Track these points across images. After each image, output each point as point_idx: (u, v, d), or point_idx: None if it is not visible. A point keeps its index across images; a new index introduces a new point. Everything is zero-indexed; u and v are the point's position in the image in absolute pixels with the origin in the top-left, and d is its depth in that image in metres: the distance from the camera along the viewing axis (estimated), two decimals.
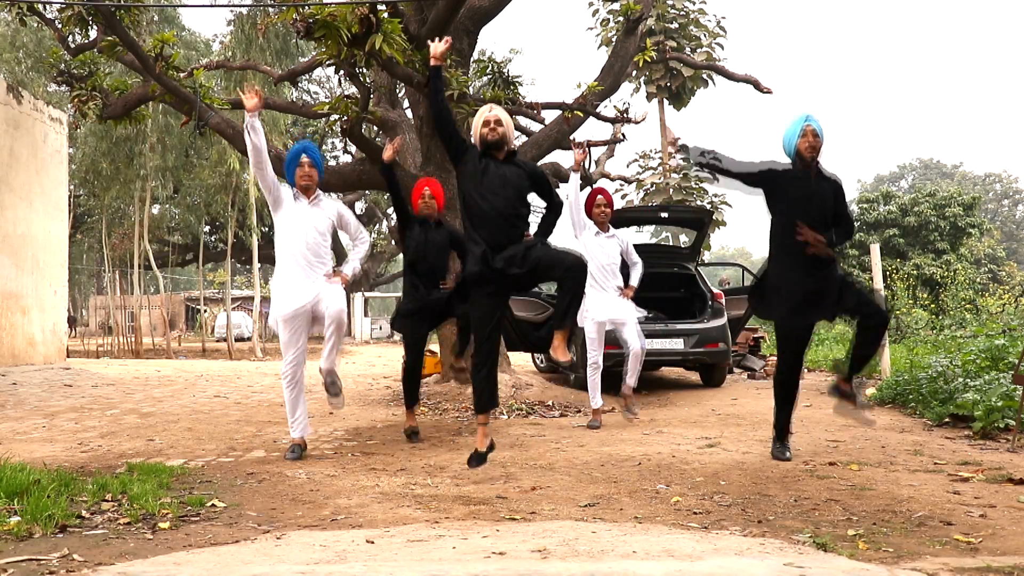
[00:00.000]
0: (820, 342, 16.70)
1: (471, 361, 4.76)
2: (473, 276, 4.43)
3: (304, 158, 5.14)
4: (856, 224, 22.56)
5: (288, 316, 4.95)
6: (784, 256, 4.79)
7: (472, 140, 4.62)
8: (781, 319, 4.83)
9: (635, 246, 10.00)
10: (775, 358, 11.09)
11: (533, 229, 4.72)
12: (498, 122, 4.51)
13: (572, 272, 4.37)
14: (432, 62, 4.64)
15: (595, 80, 8.98)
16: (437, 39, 4.82)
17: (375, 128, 12.38)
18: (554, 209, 4.81)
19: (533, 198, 4.76)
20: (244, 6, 17.21)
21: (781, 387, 4.87)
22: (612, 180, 14.81)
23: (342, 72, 7.50)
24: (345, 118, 7.65)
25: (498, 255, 4.34)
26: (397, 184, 5.86)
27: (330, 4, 6.69)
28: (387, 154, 5.68)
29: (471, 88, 7.74)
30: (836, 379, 4.94)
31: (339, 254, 37.17)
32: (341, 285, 5.04)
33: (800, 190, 4.75)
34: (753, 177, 4.88)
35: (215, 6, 9.52)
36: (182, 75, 8.67)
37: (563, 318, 4.44)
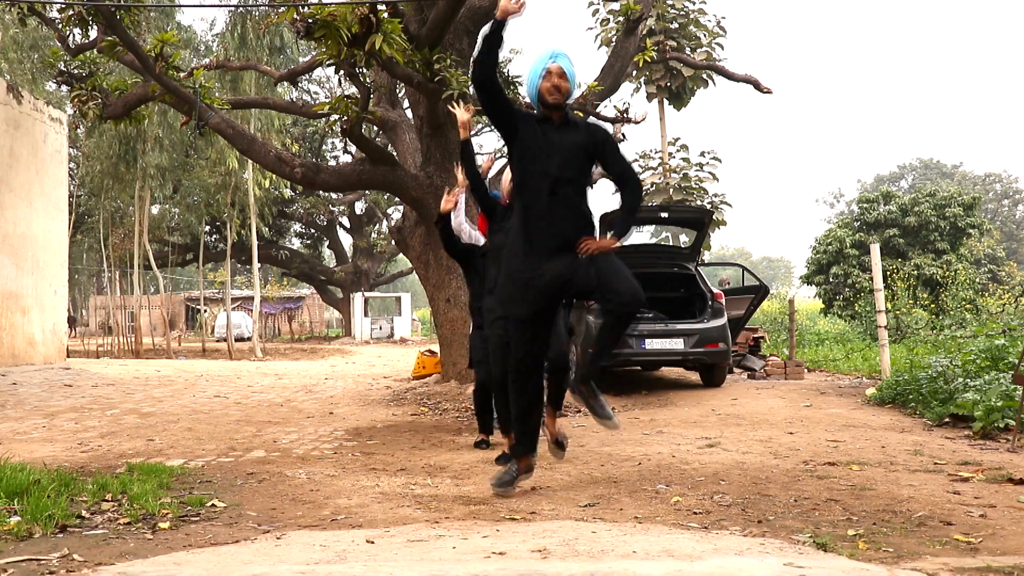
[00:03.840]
0: (820, 342, 16.71)
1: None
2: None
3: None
4: (858, 223, 22.67)
5: None
6: (520, 229, 3.78)
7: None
8: (507, 304, 3.87)
9: (635, 246, 10.03)
10: (774, 357, 11.12)
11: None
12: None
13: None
14: (461, 134, 4.65)
15: (595, 80, 8.98)
16: (462, 104, 4.83)
17: (375, 128, 12.38)
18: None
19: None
20: (244, 6, 17.21)
21: (515, 387, 3.90)
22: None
23: (342, 72, 7.50)
24: (345, 118, 7.65)
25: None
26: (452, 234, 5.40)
27: (330, 4, 6.69)
28: (445, 205, 5.21)
29: (471, 88, 7.73)
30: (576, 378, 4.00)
31: (339, 256, 37.20)
32: None
33: (539, 142, 3.72)
34: (499, 105, 3.76)
35: (215, 6, 9.54)
36: (182, 75, 8.68)
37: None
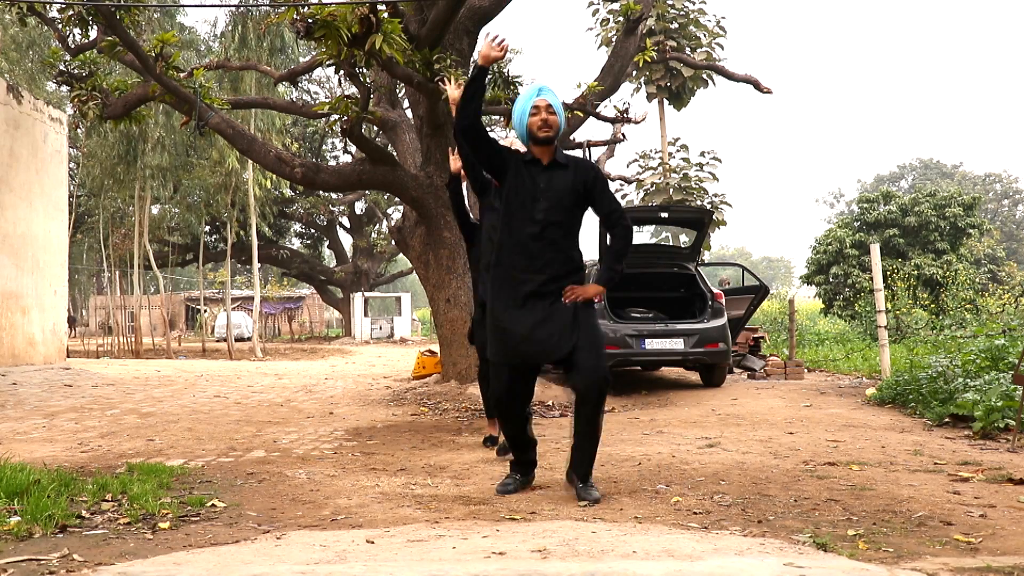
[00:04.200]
0: (820, 342, 16.71)
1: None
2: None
3: None
4: (858, 223, 22.66)
5: None
6: (504, 269, 3.74)
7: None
8: (491, 348, 3.82)
9: (635, 246, 10.01)
10: (774, 357, 11.11)
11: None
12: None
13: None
14: (454, 112, 4.42)
15: (595, 80, 8.99)
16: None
17: (375, 128, 12.39)
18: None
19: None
20: (244, 6, 17.21)
21: (499, 416, 3.94)
22: (612, 180, 14.82)
23: (342, 72, 7.50)
24: (345, 118, 7.65)
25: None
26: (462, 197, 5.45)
27: (330, 4, 6.69)
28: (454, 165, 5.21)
29: None
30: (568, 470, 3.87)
31: (339, 256, 37.20)
32: None
33: (525, 185, 3.69)
34: (485, 148, 3.74)
35: (215, 6, 9.55)
36: (182, 75, 8.68)
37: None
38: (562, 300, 3.66)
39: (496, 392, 3.85)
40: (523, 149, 3.91)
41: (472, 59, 8.86)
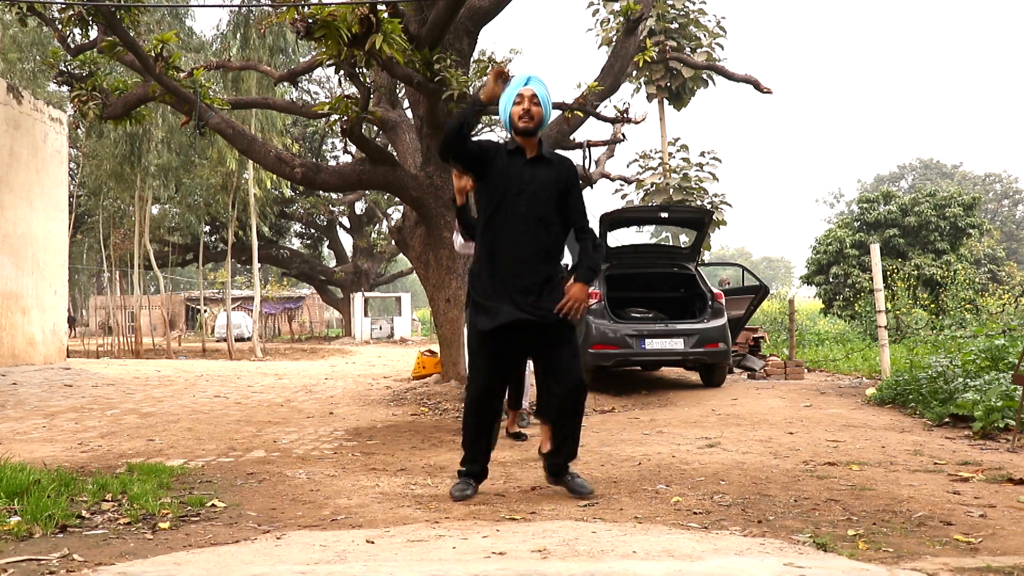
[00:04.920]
0: (820, 342, 16.71)
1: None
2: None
3: None
4: (858, 223, 22.62)
5: None
6: (486, 266, 3.68)
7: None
8: (472, 334, 3.79)
9: (635, 246, 10.03)
10: (774, 357, 11.10)
11: None
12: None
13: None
14: (458, 200, 4.41)
15: (595, 80, 8.98)
16: (461, 174, 4.59)
17: (375, 128, 12.39)
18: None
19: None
20: (244, 6, 17.21)
21: (476, 414, 3.79)
22: (612, 180, 14.82)
23: (342, 72, 7.51)
24: (345, 118, 7.65)
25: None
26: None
27: (330, 4, 6.69)
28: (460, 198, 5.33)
29: (471, 88, 7.75)
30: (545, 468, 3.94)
31: (339, 256, 37.19)
32: None
33: (508, 178, 3.61)
34: (472, 161, 3.67)
35: (216, 6, 9.54)
36: (182, 75, 8.68)
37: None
38: (553, 307, 3.61)
39: (475, 389, 3.73)
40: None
41: (472, 59, 8.85)
